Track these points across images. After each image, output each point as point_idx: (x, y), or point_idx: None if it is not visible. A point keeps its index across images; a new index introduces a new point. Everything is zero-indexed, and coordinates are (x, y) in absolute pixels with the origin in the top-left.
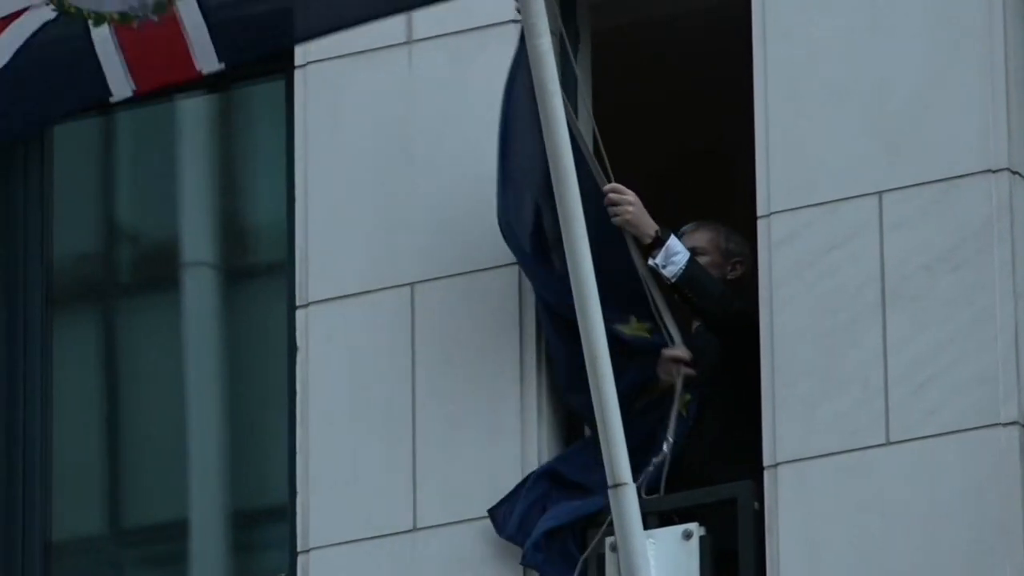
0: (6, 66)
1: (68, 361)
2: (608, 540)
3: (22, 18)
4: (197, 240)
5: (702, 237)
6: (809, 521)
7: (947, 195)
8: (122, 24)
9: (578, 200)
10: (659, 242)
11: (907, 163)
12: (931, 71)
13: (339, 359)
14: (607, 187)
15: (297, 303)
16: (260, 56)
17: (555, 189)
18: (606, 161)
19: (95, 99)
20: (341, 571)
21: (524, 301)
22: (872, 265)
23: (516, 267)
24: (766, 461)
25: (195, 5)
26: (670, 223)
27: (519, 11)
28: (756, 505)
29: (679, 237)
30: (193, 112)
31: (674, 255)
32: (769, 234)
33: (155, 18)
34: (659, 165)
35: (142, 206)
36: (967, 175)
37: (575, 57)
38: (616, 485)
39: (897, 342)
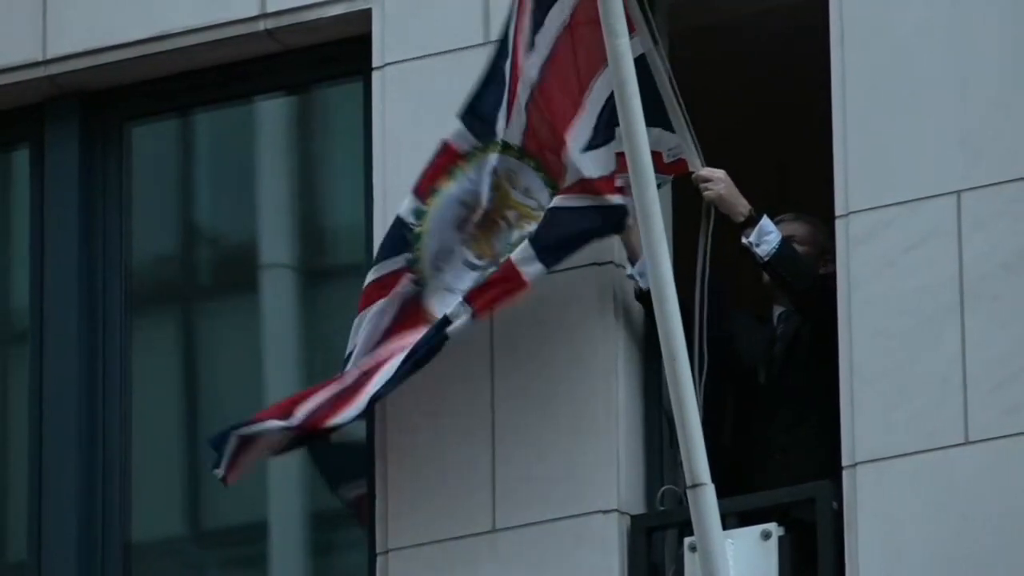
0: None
1: (147, 363)
2: (687, 540)
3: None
4: (276, 242)
5: (801, 228)
6: (888, 521)
7: None
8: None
9: (656, 199)
10: (752, 221)
11: (986, 162)
12: (1010, 70)
13: None
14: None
15: None
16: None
17: (634, 189)
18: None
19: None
20: (420, 573)
21: (603, 300)
22: (951, 264)
23: (595, 267)
24: (845, 461)
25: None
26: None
27: None
28: (835, 505)
29: (776, 224)
30: (272, 114)
31: (767, 235)
32: (847, 233)
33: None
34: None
35: (220, 208)
36: None
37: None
38: (695, 485)
39: (976, 341)
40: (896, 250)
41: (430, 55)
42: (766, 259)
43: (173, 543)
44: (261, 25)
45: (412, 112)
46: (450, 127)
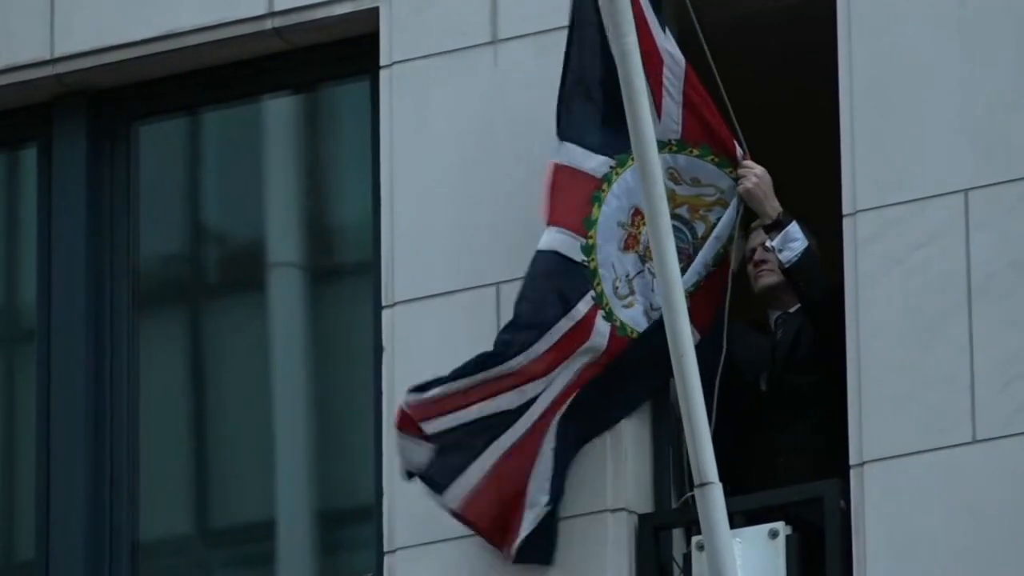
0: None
1: (155, 362)
2: (695, 539)
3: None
4: (283, 241)
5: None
6: (895, 519)
7: None
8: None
9: (663, 196)
10: (779, 225)
11: (994, 160)
12: (1017, 69)
13: (425, 359)
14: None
15: (383, 303)
16: None
17: (642, 187)
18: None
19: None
20: (428, 571)
21: None
22: (958, 263)
23: None
24: (852, 459)
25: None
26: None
27: None
28: (843, 503)
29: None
30: (279, 112)
31: (792, 241)
32: (855, 232)
33: (713, 268)
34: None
35: (228, 207)
36: None
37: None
38: (702, 484)
39: (983, 340)
40: (903, 249)
41: (437, 54)
42: (786, 265)
43: (181, 541)
44: (268, 24)
45: (419, 111)
46: (456, 125)
